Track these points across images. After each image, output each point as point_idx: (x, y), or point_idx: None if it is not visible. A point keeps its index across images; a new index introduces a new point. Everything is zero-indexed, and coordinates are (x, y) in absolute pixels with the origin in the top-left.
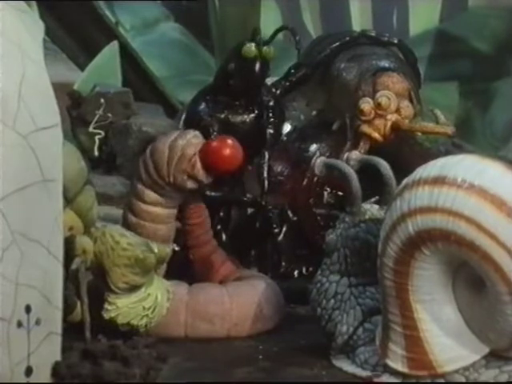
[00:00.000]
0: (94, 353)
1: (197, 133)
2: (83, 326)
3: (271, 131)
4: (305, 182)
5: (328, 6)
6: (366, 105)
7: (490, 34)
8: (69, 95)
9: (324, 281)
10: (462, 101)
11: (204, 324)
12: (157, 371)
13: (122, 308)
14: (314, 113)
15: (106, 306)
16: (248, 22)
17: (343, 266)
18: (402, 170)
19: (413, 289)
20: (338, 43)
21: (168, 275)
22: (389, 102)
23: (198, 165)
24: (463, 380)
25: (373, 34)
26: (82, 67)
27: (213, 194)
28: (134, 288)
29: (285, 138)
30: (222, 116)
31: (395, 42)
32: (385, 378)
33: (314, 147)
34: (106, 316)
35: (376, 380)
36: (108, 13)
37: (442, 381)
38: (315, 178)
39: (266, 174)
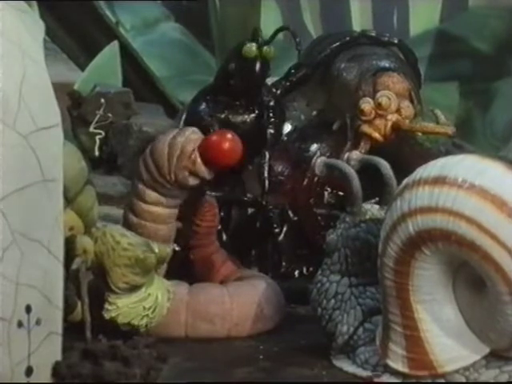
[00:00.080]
0: (95, 353)
1: (195, 129)
2: (84, 326)
3: (272, 131)
4: (305, 182)
5: (328, 6)
6: (367, 105)
7: (490, 34)
8: (69, 95)
9: (324, 281)
10: (462, 101)
11: (204, 324)
12: (157, 371)
13: (123, 308)
14: (315, 113)
15: (107, 305)
16: (248, 21)
17: (344, 266)
18: (403, 170)
19: (413, 289)
20: (338, 43)
21: (168, 275)
22: (389, 102)
23: (199, 160)
24: (463, 380)
25: (373, 34)
26: (82, 67)
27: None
28: (134, 288)
29: (285, 138)
30: (223, 116)
31: (395, 42)
32: (385, 378)
33: (314, 147)
34: (107, 316)
35: (376, 380)
36: (108, 13)
37: (443, 381)
38: (316, 178)
39: (266, 174)
